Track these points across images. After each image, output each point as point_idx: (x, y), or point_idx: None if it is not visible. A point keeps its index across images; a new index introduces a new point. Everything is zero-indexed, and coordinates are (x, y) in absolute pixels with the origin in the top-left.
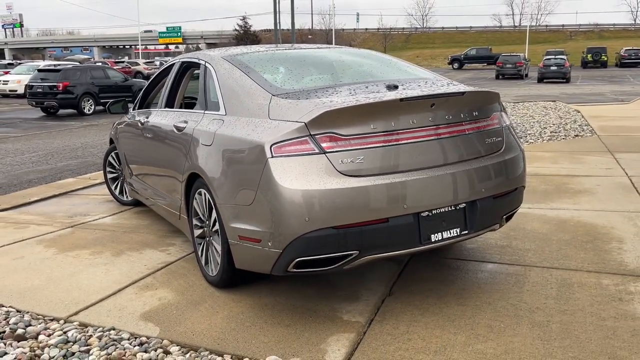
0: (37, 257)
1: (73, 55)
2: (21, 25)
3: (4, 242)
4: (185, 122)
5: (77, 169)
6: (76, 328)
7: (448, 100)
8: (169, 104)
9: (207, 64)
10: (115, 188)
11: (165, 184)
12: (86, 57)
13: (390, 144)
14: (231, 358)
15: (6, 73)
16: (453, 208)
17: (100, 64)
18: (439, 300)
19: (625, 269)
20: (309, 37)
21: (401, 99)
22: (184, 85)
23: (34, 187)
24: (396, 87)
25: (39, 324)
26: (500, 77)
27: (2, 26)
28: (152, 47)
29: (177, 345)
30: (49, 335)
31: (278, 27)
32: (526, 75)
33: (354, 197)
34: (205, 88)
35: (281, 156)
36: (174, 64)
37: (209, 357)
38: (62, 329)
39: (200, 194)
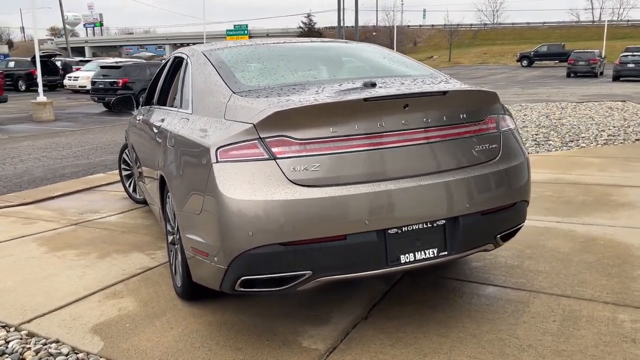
0: (24, 256)
1: (139, 53)
2: (101, 25)
3: (2, 238)
4: (162, 120)
5: (111, 164)
6: (21, 338)
7: (427, 101)
8: (161, 100)
9: (188, 59)
10: (129, 185)
11: (150, 185)
12: (151, 54)
13: (352, 150)
14: None
15: (77, 70)
16: (429, 225)
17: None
18: (418, 328)
19: None
20: (374, 33)
21: (365, 99)
22: (175, 81)
23: (63, 182)
24: (374, 85)
25: None
26: (572, 75)
27: (84, 25)
28: None
29: None
30: None
31: (341, 25)
32: (601, 73)
33: (305, 210)
34: (182, 84)
35: (227, 161)
36: (170, 59)
37: None
38: (6, 338)
39: (169, 197)
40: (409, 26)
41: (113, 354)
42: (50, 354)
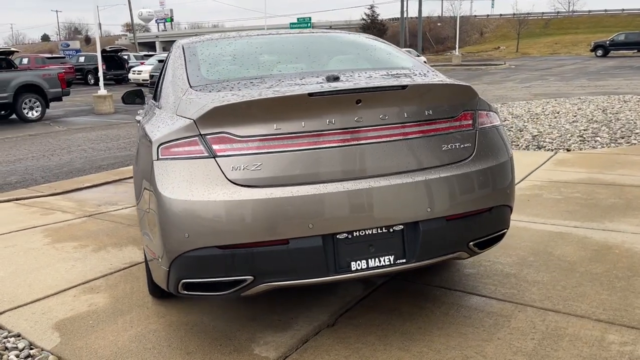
0: (26, 247)
1: None
2: (171, 20)
3: (14, 228)
4: (141, 114)
5: None
6: None
7: (384, 96)
8: (155, 94)
9: (170, 52)
10: None
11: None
12: None
13: (297, 149)
14: None
15: (142, 64)
16: (385, 230)
17: None
18: (381, 339)
19: None
20: (438, 24)
21: (310, 94)
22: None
23: (97, 173)
24: (337, 78)
25: None
26: None
27: (156, 21)
28: None
29: None
30: None
31: (405, 16)
32: None
33: (245, 211)
34: (161, 78)
35: (167, 159)
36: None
37: None
38: None
39: None
40: (475, 16)
41: (65, 351)
42: (6, 348)
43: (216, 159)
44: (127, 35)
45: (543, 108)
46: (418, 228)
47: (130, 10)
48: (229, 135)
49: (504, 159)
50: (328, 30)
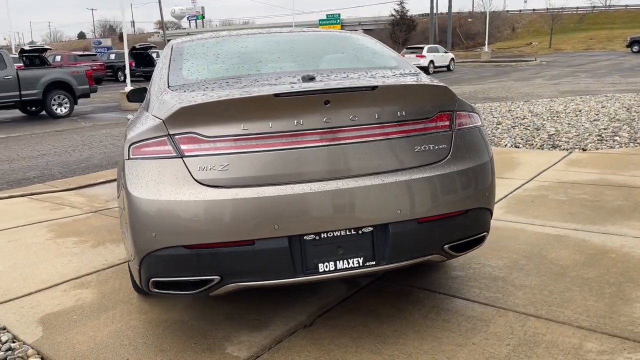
0: (29, 241)
1: None
2: (202, 17)
3: (22, 222)
4: (132, 114)
5: None
6: None
7: (353, 97)
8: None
9: (162, 52)
10: None
11: None
12: None
13: (263, 149)
14: None
15: None
16: (353, 232)
17: None
18: (354, 341)
19: (633, 330)
20: (469, 20)
21: (276, 95)
22: None
23: (112, 169)
24: (312, 78)
25: None
26: None
27: (187, 18)
28: None
29: (38, 357)
30: None
31: (434, 11)
32: None
33: (210, 212)
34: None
35: (137, 158)
36: None
37: None
38: None
39: None
40: (507, 11)
41: (44, 345)
42: None
43: (184, 159)
44: (159, 32)
45: (565, 106)
46: (388, 230)
47: (160, 7)
48: (196, 136)
49: (482, 160)
50: (319, 30)
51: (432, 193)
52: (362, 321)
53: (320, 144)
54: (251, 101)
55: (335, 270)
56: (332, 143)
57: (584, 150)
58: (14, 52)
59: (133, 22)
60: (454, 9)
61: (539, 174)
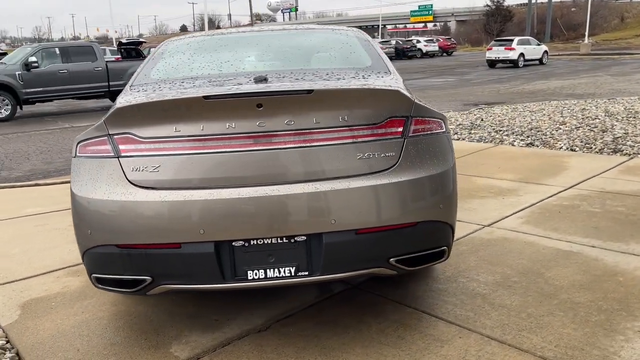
0: (53, 227)
1: None
2: (296, 9)
3: (55, 208)
4: None
5: None
6: None
7: (288, 101)
8: None
9: None
10: None
11: None
12: None
13: (195, 152)
14: None
15: None
16: (285, 241)
17: None
18: (297, 351)
19: None
20: (572, 9)
21: (205, 97)
22: None
23: None
24: (265, 79)
25: None
26: None
27: (282, 11)
28: (401, 26)
29: (4, 339)
30: None
31: (533, 0)
32: None
33: (139, 213)
34: None
35: (81, 156)
36: None
37: None
38: None
39: None
40: (616, 0)
41: (13, 329)
42: None
43: (120, 159)
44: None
45: None
46: (322, 240)
47: (250, 2)
48: (132, 136)
49: (439, 170)
50: (312, 27)
51: (373, 203)
52: (316, 330)
53: (253, 148)
54: (182, 103)
55: (266, 278)
56: (265, 148)
57: None
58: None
59: (230, 15)
60: None
61: (582, 182)
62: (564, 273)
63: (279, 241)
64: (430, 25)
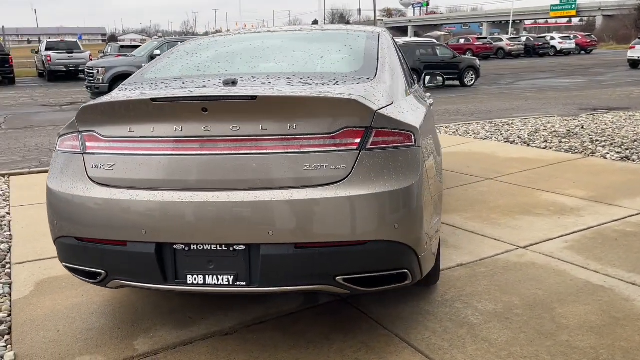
0: None
1: (431, 33)
2: (427, 4)
3: None
4: None
5: None
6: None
7: (232, 106)
8: None
9: None
10: None
11: None
12: (443, 33)
13: (144, 152)
14: None
15: None
16: (225, 248)
17: (435, 41)
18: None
19: None
20: None
21: (153, 99)
22: None
23: None
24: (234, 82)
25: None
26: None
27: (412, 6)
28: (542, 21)
29: (7, 312)
30: None
31: None
32: None
33: (94, 208)
34: None
35: (58, 150)
36: None
37: None
38: None
39: None
40: None
41: (18, 304)
42: None
43: (84, 155)
44: (382, 20)
45: None
46: (259, 251)
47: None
48: (95, 134)
49: (398, 187)
50: (330, 29)
51: (314, 217)
52: (278, 341)
53: (199, 152)
54: (133, 104)
55: (204, 284)
56: (209, 153)
57: None
58: None
59: (359, 10)
60: None
61: None
62: (579, 311)
63: (219, 248)
64: (575, 21)
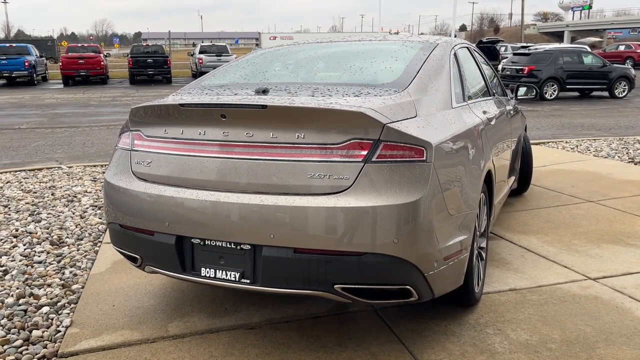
0: None
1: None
2: (590, 7)
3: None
4: None
5: None
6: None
7: (246, 114)
8: None
9: None
10: None
11: None
12: (597, 39)
13: (174, 152)
14: None
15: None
16: (233, 246)
17: (585, 47)
18: (247, 357)
19: None
20: None
21: (181, 105)
22: None
23: None
24: (266, 91)
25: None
26: None
27: (572, 9)
28: None
29: (80, 286)
30: None
31: None
32: None
33: (129, 199)
34: None
35: (117, 146)
36: None
37: None
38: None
39: None
40: None
41: (93, 278)
42: (75, 261)
43: (131, 152)
44: (535, 24)
45: None
46: (260, 252)
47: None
48: (140, 133)
49: (401, 202)
50: (390, 39)
51: (313, 224)
52: (292, 341)
53: (217, 155)
54: (166, 109)
55: (215, 278)
56: (226, 156)
57: None
58: None
59: (511, 14)
60: None
61: None
62: (623, 355)
63: (228, 246)
64: None
